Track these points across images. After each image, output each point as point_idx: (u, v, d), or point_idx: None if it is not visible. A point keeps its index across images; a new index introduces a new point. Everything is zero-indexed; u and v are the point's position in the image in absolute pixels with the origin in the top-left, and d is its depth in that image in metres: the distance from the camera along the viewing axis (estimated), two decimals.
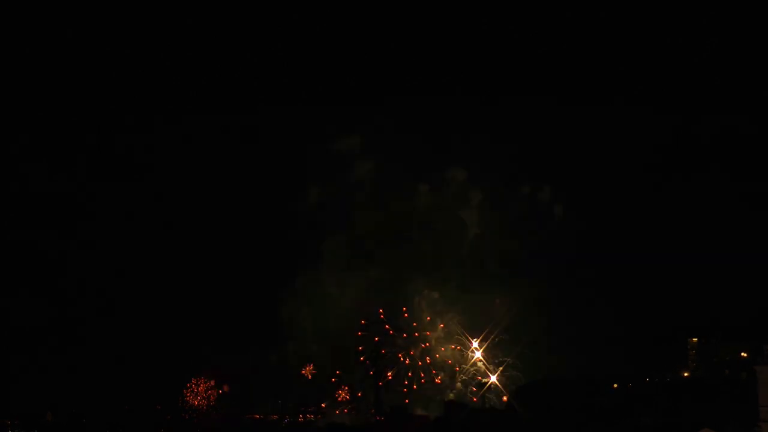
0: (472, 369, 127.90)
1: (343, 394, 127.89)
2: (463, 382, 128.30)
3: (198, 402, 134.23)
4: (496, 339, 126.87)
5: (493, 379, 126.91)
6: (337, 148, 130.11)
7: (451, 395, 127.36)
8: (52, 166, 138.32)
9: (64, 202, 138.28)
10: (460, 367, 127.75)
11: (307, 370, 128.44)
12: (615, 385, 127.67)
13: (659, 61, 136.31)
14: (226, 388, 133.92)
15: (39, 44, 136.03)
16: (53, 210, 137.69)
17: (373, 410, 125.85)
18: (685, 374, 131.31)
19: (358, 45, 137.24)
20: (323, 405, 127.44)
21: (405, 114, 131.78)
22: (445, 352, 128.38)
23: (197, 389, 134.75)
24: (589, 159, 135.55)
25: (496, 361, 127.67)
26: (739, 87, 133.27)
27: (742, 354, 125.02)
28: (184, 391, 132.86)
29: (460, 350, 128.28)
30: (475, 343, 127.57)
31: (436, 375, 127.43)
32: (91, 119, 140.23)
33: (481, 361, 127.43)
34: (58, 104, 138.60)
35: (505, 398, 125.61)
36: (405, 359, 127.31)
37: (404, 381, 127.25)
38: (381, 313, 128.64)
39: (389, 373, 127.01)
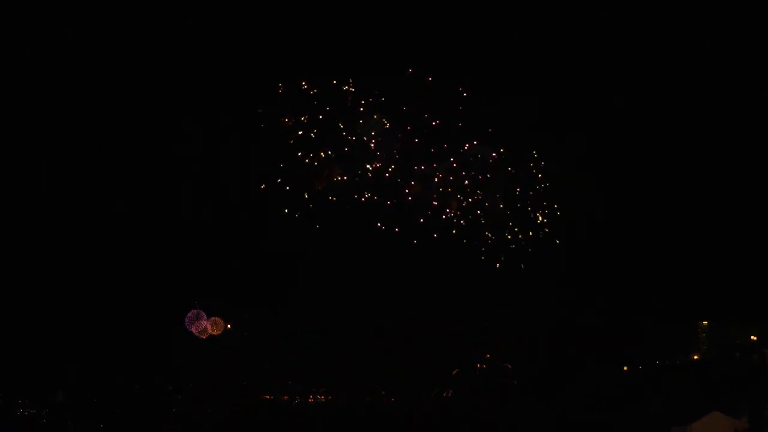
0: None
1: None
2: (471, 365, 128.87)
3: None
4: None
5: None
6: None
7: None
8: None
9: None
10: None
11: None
12: (625, 368, 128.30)
13: (659, 62, 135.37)
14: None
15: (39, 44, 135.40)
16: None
17: (383, 392, 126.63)
18: (695, 357, 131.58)
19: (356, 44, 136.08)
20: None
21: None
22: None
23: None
24: (604, 137, 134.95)
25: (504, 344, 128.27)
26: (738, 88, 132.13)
27: (753, 337, 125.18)
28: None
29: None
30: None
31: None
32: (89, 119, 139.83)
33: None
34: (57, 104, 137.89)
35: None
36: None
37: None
38: None
39: None
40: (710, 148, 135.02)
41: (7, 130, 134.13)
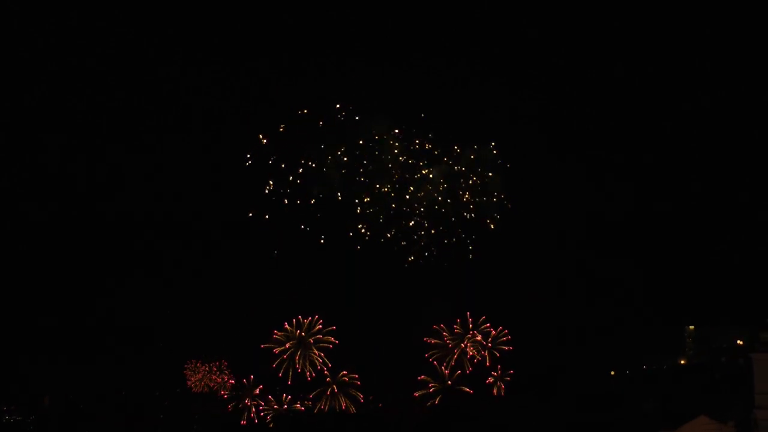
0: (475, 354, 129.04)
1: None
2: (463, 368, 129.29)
3: (197, 387, 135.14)
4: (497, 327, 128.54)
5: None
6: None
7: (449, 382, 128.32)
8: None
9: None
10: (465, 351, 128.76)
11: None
12: (612, 372, 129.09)
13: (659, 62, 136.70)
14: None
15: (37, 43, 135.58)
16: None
17: (372, 396, 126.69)
18: (682, 361, 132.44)
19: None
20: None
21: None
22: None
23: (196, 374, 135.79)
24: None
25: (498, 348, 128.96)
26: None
27: (738, 342, 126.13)
28: (185, 373, 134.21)
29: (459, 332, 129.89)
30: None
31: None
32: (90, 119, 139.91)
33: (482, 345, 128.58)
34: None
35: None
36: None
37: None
38: None
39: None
40: (700, 163, 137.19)
41: None
